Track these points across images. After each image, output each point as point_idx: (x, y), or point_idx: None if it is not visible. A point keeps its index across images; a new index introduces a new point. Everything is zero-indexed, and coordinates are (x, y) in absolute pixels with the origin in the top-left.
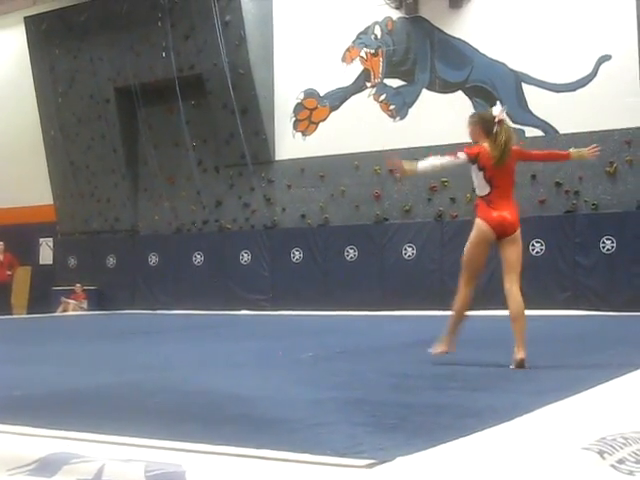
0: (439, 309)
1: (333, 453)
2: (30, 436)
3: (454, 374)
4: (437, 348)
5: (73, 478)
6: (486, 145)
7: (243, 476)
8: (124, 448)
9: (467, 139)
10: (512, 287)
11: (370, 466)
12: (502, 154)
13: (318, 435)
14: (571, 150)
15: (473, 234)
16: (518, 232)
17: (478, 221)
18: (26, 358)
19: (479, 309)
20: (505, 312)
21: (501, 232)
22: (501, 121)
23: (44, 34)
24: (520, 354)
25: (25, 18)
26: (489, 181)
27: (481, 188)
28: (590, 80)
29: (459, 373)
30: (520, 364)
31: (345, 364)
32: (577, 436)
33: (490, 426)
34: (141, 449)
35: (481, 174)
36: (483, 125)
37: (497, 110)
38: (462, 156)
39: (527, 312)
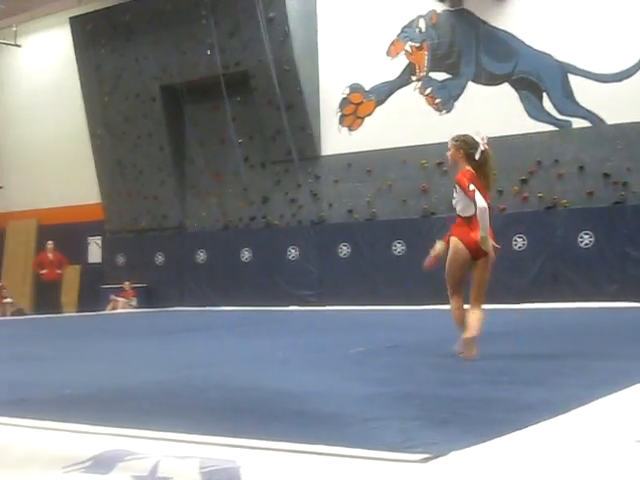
0: (488, 302)
1: (386, 448)
2: (84, 433)
3: (504, 368)
4: (469, 351)
5: (128, 475)
6: (469, 169)
7: (297, 472)
8: (178, 444)
9: (513, 131)
10: (474, 308)
11: (424, 460)
12: (490, 182)
13: (370, 430)
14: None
15: (454, 257)
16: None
17: (458, 244)
18: (76, 356)
19: (523, 302)
20: (549, 305)
21: (476, 254)
22: (486, 150)
23: (89, 34)
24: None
25: (70, 19)
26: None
27: (466, 209)
28: (637, 70)
29: (508, 366)
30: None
31: (395, 359)
32: (631, 429)
33: (544, 419)
34: (195, 445)
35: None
36: (466, 149)
37: (479, 137)
38: (481, 200)
39: (576, 304)
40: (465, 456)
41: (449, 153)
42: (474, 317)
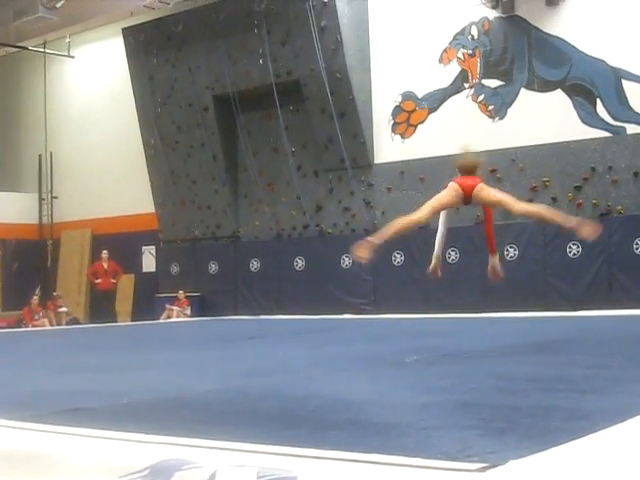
0: (542, 310)
1: (444, 457)
2: (141, 443)
3: (561, 376)
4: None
5: None
6: None
7: None
8: (235, 454)
9: (567, 137)
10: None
11: (483, 470)
12: None
13: (428, 439)
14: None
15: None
16: None
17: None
18: (131, 365)
19: (578, 309)
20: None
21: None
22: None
23: (142, 44)
24: None
25: (123, 29)
26: None
27: None
28: None
29: (565, 374)
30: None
31: (450, 367)
32: None
33: (601, 428)
34: (252, 454)
35: None
36: None
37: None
38: None
39: (632, 311)
40: (523, 465)
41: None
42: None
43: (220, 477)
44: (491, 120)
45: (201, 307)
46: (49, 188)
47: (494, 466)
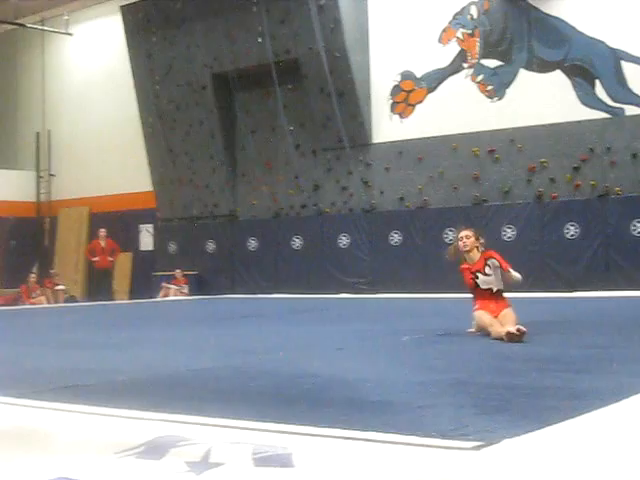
0: (540, 291)
1: (439, 435)
2: (137, 419)
3: (557, 356)
4: None
5: (181, 460)
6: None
7: (349, 458)
8: (231, 431)
9: (565, 118)
10: None
11: (477, 448)
12: None
13: (423, 417)
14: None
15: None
16: None
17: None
18: (128, 343)
19: (575, 290)
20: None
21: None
22: None
23: (141, 22)
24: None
25: (122, 7)
26: None
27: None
28: None
29: (562, 355)
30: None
31: (447, 346)
32: None
33: (596, 408)
34: (247, 432)
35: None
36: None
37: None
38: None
39: (629, 292)
40: (517, 444)
41: (469, 241)
42: None
43: (215, 454)
44: (490, 100)
45: (198, 286)
46: (47, 166)
47: (488, 445)
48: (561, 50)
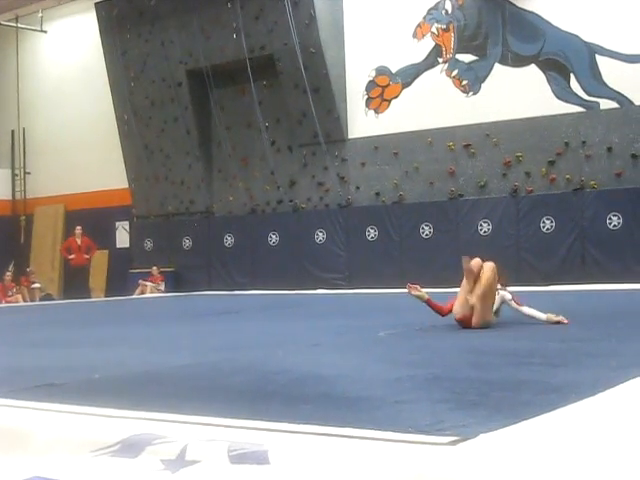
0: (515, 285)
1: (415, 430)
2: (112, 417)
3: (534, 350)
4: None
5: (156, 459)
6: None
7: (325, 454)
8: (206, 428)
9: (540, 112)
10: None
11: (453, 443)
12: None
13: (399, 413)
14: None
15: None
16: None
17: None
18: (104, 341)
19: (551, 284)
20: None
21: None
22: None
23: (115, 19)
24: None
25: (96, 4)
26: None
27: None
28: None
29: (539, 349)
30: None
31: (423, 341)
32: None
33: (572, 402)
34: (223, 429)
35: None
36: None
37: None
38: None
39: (605, 286)
40: (493, 438)
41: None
42: None
43: (191, 451)
44: (465, 95)
45: (175, 282)
46: (22, 164)
47: (465, 439)
48: (536, 44)
